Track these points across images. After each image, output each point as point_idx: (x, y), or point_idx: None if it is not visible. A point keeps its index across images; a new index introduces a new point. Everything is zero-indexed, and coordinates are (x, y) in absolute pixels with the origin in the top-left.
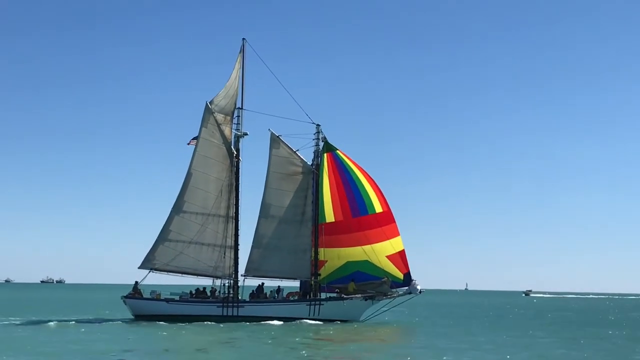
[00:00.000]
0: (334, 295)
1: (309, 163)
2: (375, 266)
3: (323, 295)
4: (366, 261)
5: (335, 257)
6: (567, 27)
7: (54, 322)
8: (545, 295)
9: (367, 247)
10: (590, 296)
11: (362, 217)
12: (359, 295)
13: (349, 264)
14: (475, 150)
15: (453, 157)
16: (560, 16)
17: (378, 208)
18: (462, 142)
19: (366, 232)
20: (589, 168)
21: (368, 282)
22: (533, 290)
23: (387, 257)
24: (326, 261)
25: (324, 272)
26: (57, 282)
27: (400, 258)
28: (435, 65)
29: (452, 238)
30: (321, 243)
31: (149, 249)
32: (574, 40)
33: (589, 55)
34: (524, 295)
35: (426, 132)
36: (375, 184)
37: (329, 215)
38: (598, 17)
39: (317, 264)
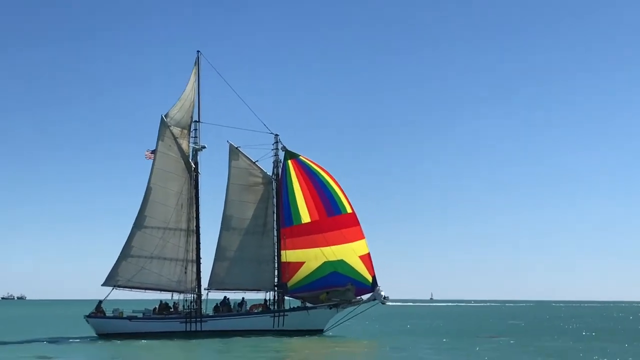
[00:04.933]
0: (309, 300)
1: (269, 173)
2: (350, 266)
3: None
4: (342, 260)
5: (313, 257)
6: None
7: (15, 343)
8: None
9: (343, 247)
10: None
11: (336, 216)
12: (324, 304)
13: (326, 264)
14: (438, 159)
15: (416, 165)
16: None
17: (348, 209)
18: (425, 150)
19: (342, 231)
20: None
21: (334, 289)
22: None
23: (360, 257)
24: (304, 262)
25: (301, 273)
26: (18, 298)
27: (368, 260)
28: (393, 71)
29: (417, 247)
30: (297, 244)
31: (111, 265)
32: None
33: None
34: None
35: (387, 140)
36: (340, 186)
37: (305, 216)
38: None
39: (280, 270)
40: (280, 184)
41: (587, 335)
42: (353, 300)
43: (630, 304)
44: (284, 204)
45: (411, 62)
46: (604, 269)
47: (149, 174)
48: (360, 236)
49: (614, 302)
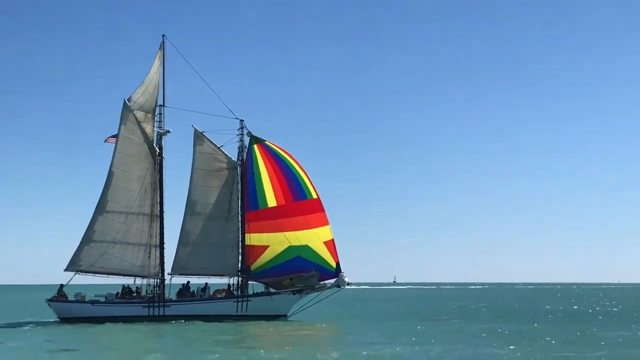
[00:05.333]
0: (272, 286)
1: (234, 159)
2: (314, 252)
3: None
4: (306, 246)
5: (278, 241)
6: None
7: None
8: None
9: (308, 231)
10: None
11: (302, 201)
12: (287, 289)
13: (290, 248)
14: (404, 146)
15: (377, 150)
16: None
17: (314, 194)
18: (386, 134)
19: (307, 217)
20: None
21: (298, 275)
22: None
23: (324, 243)
24: (268, 246)
25: (265, 257)
26: None
27: (333, 246)
28: (358, 59)
29: (380, 230)
30: (262, 228)
31: (73, 250)
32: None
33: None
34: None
35: (352, 125)
36: (305, 171)
37: (271, 200)
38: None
39: (244, 255)
40: (245, 168)
41: (533, 318)
42: (317, 286)
43: (599, 285)
44: (250, 188)
45: (377, 43)
46: (566, 252)
47: (111, 159)
48: (325, 222)
49: (577, 284)
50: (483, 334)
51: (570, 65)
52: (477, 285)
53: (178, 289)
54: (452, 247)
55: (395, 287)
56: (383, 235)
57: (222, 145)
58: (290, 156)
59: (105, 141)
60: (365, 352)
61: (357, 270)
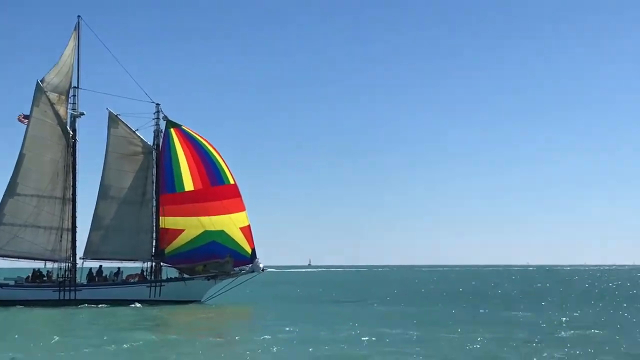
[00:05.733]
0: (185, 272)
1: (149, 143)
2: (230, 237)
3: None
4: (222, 231)
5: (193, 226)
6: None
7: None
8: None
9: (224, 217)
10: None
11: (219, 186)
12: (201, 275)
13: (206, 233)
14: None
15: (295, 134)
16: None
17: (231, 180)
18: (300, 122)
19: (224, 202)
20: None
21: (212, 262)
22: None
23: (240, 229)
24: (184, 230)
25: (180, 240)
26: None
27: (249, 232)
28: (279, 35)
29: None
30: (178, 211)
31: None
32: None
33: None
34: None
35: (263, 111)
36: (222, 157)
37: (188, 184)
38: None
39: (157, 239)
40: (162, 152)
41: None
42: (232, 272)
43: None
44: (167, 172)
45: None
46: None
47: (22, 140)
48: (242, 208)
49: (504, 266)
50: (377, 317)
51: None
52: (389, 267)
53: (88, 273)
54: (362, 230)
55: (310, 269)
56: (299, 219)
57: (137, 129)
58: (207, 142)
59: (18, 119)
60: (268, 335)
61: (273, 254)
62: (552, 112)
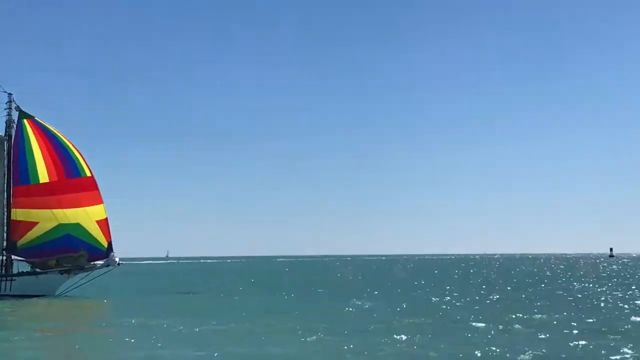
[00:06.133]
0: (38, 266)
1: (1, 133)
2: (86, 231)
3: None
4: (77, 224)
5: (48, 218)
6: None
7: None
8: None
9: (80, 210)
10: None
11: (75, 178)
12: (54, 269)
13: (60, 226)
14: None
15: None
16: None
17: (87, 172)
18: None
19: (79, 195)
20: None
21: (65, 256)
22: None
23: (97, 222)
24: (37, 222)
25: (33, 233)
26: None
27: (106, 225)
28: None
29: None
30: (31, 204)
31: None
32: None
33: None
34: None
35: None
36: (78, 150)
37: (43, 176)
38: None
39: (9, 232)
40: (15, 143)
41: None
42: (86, 266)
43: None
44: (20, 163)
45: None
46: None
47: None
48: (99, 201)
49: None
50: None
51: None
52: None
53: None
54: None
55: (168, 261)
56: (158, 210)
57: None
58: (61, 134)
59: None
60: (126, 325)
61: (132, 243)
62: None
